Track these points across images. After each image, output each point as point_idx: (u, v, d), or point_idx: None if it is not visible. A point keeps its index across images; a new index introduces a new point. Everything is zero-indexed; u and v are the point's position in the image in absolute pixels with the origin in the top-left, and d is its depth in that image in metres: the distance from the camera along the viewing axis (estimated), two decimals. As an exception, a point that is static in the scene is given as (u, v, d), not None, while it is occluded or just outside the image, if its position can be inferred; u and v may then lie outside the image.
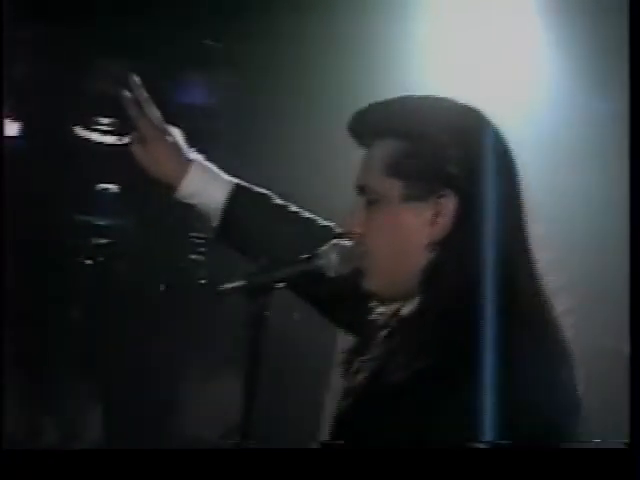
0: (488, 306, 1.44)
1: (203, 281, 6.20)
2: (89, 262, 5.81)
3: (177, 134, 1.88)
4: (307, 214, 1.93)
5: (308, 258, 1.61)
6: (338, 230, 1.83)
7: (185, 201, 1.89)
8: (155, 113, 1.84)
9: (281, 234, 1.86)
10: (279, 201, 1.92)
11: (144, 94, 1.83)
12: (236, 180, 1.90)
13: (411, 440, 1.43)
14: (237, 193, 1.86)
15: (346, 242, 1.61)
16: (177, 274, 6.18)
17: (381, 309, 1.65)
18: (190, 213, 1.98)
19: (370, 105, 1.58)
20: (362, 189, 1.58)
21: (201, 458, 1.56)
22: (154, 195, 6.13)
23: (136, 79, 1.82)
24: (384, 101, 1.57)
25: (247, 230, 1.87)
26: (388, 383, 1.48)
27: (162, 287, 6.00)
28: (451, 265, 1.49)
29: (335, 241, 1.62)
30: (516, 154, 1.56)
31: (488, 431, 1.43)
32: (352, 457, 1.49)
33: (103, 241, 5.98)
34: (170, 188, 1.87)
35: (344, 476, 1.47)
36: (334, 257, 1.59)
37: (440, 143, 1.49)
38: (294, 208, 1.92)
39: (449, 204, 1.50)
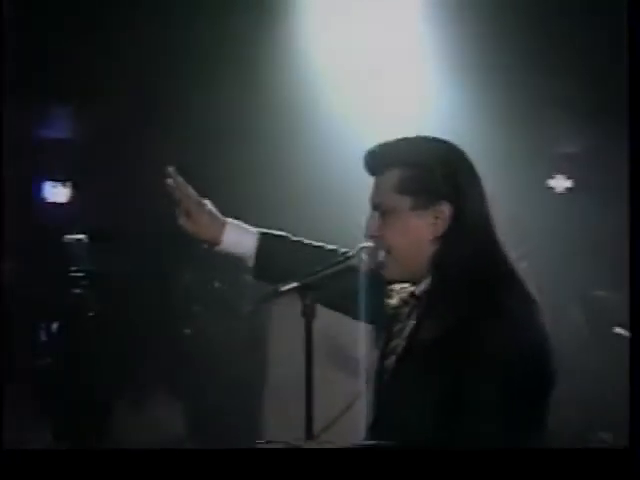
0: (477, 278, 1.97)
1: (91, 314, 6.24)
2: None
3: (209, 204, 2.36)
4: (315, 243, 2.39)
5: (345, 259, 2.08)
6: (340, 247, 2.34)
7: (225, 252, 2.36)
8: (191, 191, 2.32)
9: (300, 262, 2.27)
10: (294, 238, 2.40)
11: (180, 179, 2.30)
12: (259, 230, 2.38)
13: (441, 382, 1.89)
14: (262, 239, 2.36)
15: (369, 245, 2.07)
16: (66, 310, 6.18)
17: (398, 294, 2.14)
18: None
19: (378, 145, 2.10)
20: (377, 205, 2.08)
21: (200, 458, 1.70)
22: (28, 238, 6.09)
23: (171, 169, 2.29)
24: (388, 142, 2.09)
25: (275, 264, 2.34)
26: (423, 341, 1.97)
27: (55, 325, 6.00)
28: (450, 252, 2.01)
29: (361, 245, 2.08)
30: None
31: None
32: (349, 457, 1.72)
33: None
34: (212, 244, 2.37)
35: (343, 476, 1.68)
36: (364, 256, 2.06)
37: (434, 169, 2.03)
38: (306, 241, 2.39)
39: (445, 210, 2.01)
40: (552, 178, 5.15)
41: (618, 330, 4.35)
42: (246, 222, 2.37)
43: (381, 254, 2.05)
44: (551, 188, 5.17)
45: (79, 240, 6.38)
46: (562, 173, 5.18)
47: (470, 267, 1.97)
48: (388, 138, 2.09)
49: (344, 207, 2.42)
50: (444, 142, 2.09)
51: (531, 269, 2.02)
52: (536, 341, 1.91)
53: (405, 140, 2.08)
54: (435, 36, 4.46)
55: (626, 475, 1.62)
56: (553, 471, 1.64)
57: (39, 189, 6.72)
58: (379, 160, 2.07)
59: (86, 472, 1.67)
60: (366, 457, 1.72)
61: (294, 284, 1.95)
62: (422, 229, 2.01)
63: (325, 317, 2.17)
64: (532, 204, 4.67)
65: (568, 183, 5.24)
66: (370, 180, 2.11)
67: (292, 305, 1.96)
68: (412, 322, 2.04)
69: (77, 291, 6.24)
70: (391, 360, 2.06)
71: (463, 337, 1.88)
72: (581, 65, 4.71)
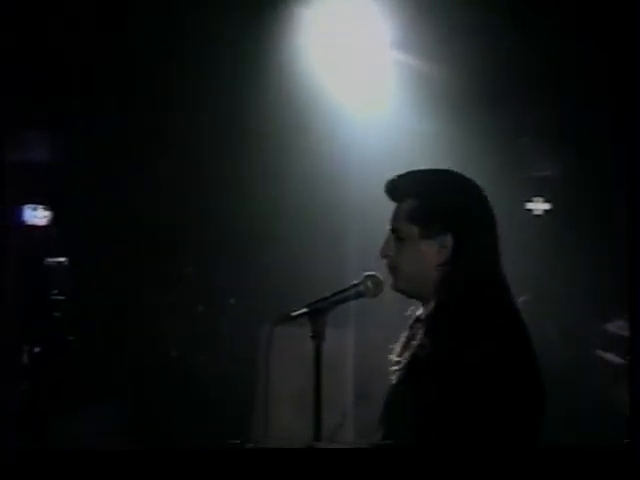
0: (477, 302, 2.10)
1: (72, 338, 6.26)
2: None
3: None
4: None
5: (352, 286, 2.21)
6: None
7: None
8: None
9: None
10: None
11: None
12: None
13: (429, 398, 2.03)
14: None
15: (375, 273, 2.23)
16: (45, 332, 6.20)
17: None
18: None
19: (398, 176, 2.24)
20: (394, 230, 2.23)
21: (201, 458, 1.73)
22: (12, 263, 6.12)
23: None
24: (407, 172, 2.24)
25: None
26: (422, 360, 2.10)
27: (37, 349, 6.02)
28: (450, 279, 2.16)
29: (366, 273, 2.24)
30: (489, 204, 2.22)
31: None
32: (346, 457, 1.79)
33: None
34: None
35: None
36: (370, 284, 2.22)
37: (442, 201, 2.18)
38: None
39: (449, 240, 2.16)
40: (530, 201, 5.45)
41: (598, 353, 4.48)
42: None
43: (392, 271, 2.19)
44: (529, 210, 5.45)
45: (60, 263, 6.42)
46: (540, 196, 5.45)
47: (468, 293, 2.11)
48: (408, 169, 2.23)
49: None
50: (457, 176, 2.23)
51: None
52: (525, 362, 2.05)
53: (421, 172, 2.24)
54: (417, 66, 4.59)
55: (626, 475, 1.66)
56: (553, 471, 1.68)
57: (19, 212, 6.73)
58: (398, 189, 2.22)
59: (87, 472, 1.70)
60: (366, 457, 1.79)
61: (305, 309, 2.07)
62: (429, 256, 2.16)
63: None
64: (512, 226, 4.84)
65: (546, 205, 5.50)
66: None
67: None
68: (415, 343, 2.16)
69: (57, 314, 6.28)
70: (395, 378, 2.19)
71: (459, 357, 2.00)
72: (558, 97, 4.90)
